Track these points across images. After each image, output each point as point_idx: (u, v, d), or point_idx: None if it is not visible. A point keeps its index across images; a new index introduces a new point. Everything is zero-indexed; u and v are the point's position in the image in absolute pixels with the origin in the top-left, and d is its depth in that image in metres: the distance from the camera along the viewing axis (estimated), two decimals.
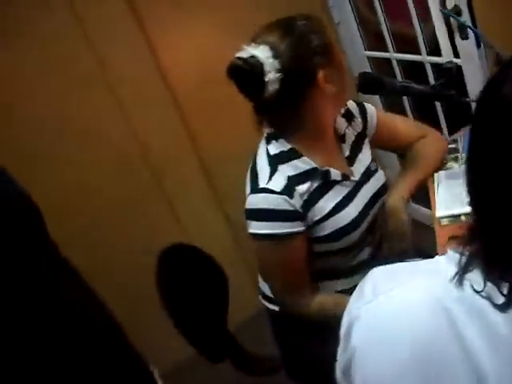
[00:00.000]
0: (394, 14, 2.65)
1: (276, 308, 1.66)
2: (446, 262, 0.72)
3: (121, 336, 1.35)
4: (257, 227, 1.42)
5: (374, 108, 1.67)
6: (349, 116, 1.60)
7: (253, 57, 1.35)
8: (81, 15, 2.38)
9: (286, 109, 1.42)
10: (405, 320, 0.71)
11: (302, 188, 1.41)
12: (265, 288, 1.68)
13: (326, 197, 1.47)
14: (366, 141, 1.63)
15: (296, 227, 1.41)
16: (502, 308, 0.63)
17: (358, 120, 1.61)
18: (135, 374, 1.36)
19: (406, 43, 2.68)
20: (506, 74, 0.64)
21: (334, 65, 1.41)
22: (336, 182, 1.49)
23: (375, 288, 0.77)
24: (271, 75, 1.34)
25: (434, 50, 2.47)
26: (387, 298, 0.74)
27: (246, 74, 1.36)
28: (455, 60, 2.21)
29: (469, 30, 2.04)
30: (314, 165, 1.45)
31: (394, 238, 1.55)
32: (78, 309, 1.25)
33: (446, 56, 2.25)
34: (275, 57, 1.34)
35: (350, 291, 1.51)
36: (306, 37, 1.37)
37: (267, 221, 1.40)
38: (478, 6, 2.03)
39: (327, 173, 1.46)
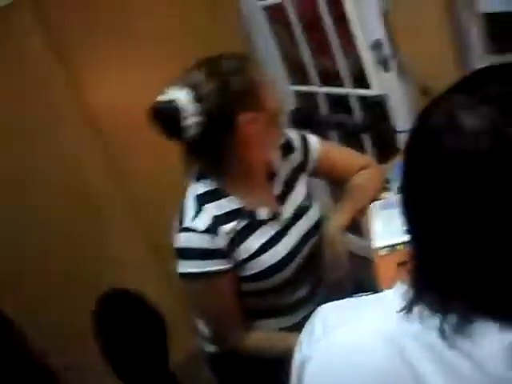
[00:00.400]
0: (317, 48, 2.70)
1: (211, 349, 1.62)
2: (394, 295, 0.70)
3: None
4: (183, 266, 1.41)
5: (316, 139, 1.65)
6: (287, 149, 1.57)
7: (171, 101, 1.33)
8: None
9: (206, 153, 1.41)
10: (356, 361, 0.70)
11: (228, 227, 1.40)
12: (201, 326, 1.65)
13: (253, 236, 1.45)
14: (303, 175, 1.61)
15: (220, 265, 1.40)
16: (449, 342, 0.62)
17: (298, 153, 1.59)
18: None
19: (330, 77, 2.72)
20: (436, 105, 0.64)
21: (261, 106, 1.37)
22: (263, 222, 1.47)
23: (324, 326, 0.76)
24: (190, 120, 1.32)
25: (356, 83, 2.53)
26: (337, 336, 0.73)
27: (163, 118, 1.34)
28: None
29: (390, 62, 2.10)
30: (240, 205, 1.43)
31: (332, 268, 1.54)
32: None
33: (376, 88, 2.29)
34: (198, 100, 1.33)
35: (290, 329, 1.51)
36: (231, 80, 1.34)
37: (193, 259, 1.39)
38: (399, 39, 2.10)
39: (253, 213, 1.45)
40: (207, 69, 1.35)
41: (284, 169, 1.56)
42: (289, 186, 1.56)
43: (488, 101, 0.59)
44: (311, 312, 1.60)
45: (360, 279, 1.72)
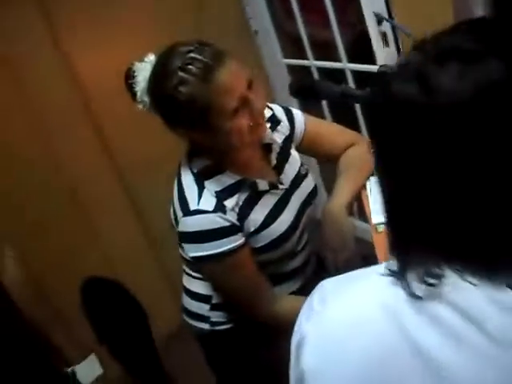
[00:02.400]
0: (312, 20, 2.65)
1: (206, 326, 1.59)
2: (389, 266, 0.70)
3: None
4: (198, 250, 1.37)
5: (300, 113, 1.62)
6: (274, 121, 1.53)
7: (132, 66, 1.35)
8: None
9: (176, 130, 1.36)
10: (351, 336, 0.70)
11: (231, 202, 1.37)
12: (190, 306, 1.62)
13: (256, 208, 1.43)
14: (293, 145, 1.59)
15: (238, 240, 1.37)
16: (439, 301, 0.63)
17: (285, 124, 1.56)
18: None
19: (325, 50, 2.68)
20: (397, 71, 0.66)
21: (210, 128, 1.29)
22: (264, 193, 1.45)
23: (322, 300, 0.76)
24: (138, 93, 1.33)
25: (352, 57, 2.49)
26: (333, 309, 0.74)
27: (125, 81, 1.36)
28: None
29: (391, 36, 2.06)
30: (238, 177, 1.40)
31: (337, 248, 1.51)
32: None
33: (380, 61, 2.24)
34: (151, 79, 1.32)
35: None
36: (184, 89, 1.25)
37: (208, 241, 1.34)
38: (397, 12, 2.07)
39: (253, 184, 1.42)
40: (162, 57, 1.30)
41: (276, 139, 1.53)
42: (284, 155, 1.53)
43: (422, 50, 0.64)
44: (306, 281, 1.58)
45: (368, 261, 1.70)
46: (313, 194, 1.58)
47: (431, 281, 0.63)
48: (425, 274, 0.64)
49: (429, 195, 0.63)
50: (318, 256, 1.73)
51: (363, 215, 2.02)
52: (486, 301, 0.61)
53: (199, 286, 1.57)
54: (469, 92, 0.59)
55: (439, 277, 0.63)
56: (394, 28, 2.09)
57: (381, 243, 1.50)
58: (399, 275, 0.67)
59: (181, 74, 1.24)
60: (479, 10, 1.93)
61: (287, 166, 1.53)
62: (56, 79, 2.44)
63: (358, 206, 1.82)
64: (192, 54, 1.25)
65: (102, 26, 2.50)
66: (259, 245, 1.43)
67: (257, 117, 1.32)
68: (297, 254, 1.56)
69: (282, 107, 1.59)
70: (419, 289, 0.64)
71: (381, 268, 0.71)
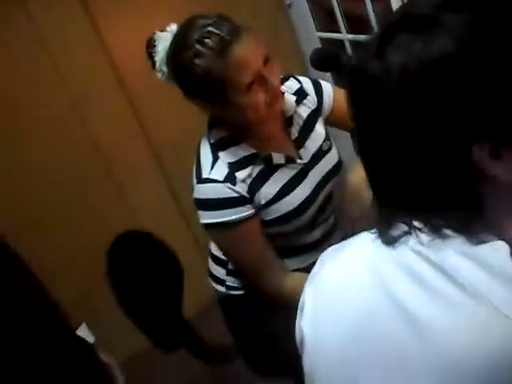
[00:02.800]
0: None
1: (223, 289, 1.65)
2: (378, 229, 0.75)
3: (80, 350, 1.34)
4: (207, 217, 1.41)
5: (330, 85, 1.62)
6: (301, 94, 1.54)
7: (154, 35, 1.38)
8: (33, 14, 2.35)
9: (194, 101, 1.39)
10: (340, 296, 0.76)
11: (244, 173, 1.40)
12: (211, 267, 1.68)
13: (271, 181, 1.44)
14: (321, 119, 1.59)
15: (245, 211, 1.40)
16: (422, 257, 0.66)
17: (312, 97, 1.57)
18: None
19: (359, 24, 2.66)
20: (367, 48, 0.68)
21: (224, 102, 1.33)
22: (280, 166, 1.46)
23: (322, 262, 0.83)
24: (158, 62, 1.37)
25: None
26: (327, 270, 0.81)
27: (148, 56, 1.40)
28: None
29: None
30: (254, 150, 1.42)
31: (355, 219, 1.53)
32: (34, 321, 1.22)
33: None
34: (169, 49, 1.34)
35: (304, 270, 1.52)
36: (200, 62, 1.28)
37: (216, 209, 1.39)
38: None
39: (268, 157, 1.43)
40: (198, 30, 1.29)
41: (300, 113, 1.54)
42: (307, 129, 1.54)
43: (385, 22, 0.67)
44: None
45: None
46: (336, 169, 1.58)
47: (411, 239, 0.68)
48: (405, 231, 0.69)
49: (395, 163, 0.68)
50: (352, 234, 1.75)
51: None
52: (459, 256, 0.64)
53: (218, 250, 1.62)
54: (414, 66, 0.61)
55: (416, 233, 0.67)
56: None
57: None
58: (383, 234, 0.72)
59: (197, 46, 1.27)
60: None
61: (309, 141, 1.53)
62: (93, 62, 2.51)
63: None
64: (210, 28, 1.28)
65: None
66: (269, 217, 1.45)
67: (272, 92, 1.33)
68: (315, 227, 1.57)
69: (311, 80, 1.59)
70: (402, 248, 0.69)
71: (372, 232, 0.76)
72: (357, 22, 2.66)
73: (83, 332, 1.51)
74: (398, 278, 0.68)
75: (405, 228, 0.69)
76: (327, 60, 1.49)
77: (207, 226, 1.42)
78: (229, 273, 1.62)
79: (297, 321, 0.83)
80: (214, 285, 1.69)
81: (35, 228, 2.47)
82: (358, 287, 0.73)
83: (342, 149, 1.66)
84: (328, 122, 1.61)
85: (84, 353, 1.39)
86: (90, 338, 1.49)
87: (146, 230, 2.14)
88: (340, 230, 1.68)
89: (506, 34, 0.60)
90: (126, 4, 2.54)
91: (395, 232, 0.70)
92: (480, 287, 0.61)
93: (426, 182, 0.66)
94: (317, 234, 1.59)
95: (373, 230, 0.76)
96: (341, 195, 1.57)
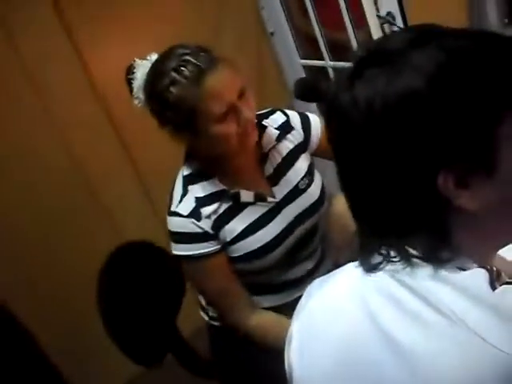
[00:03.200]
0: (328, 21, 2.65)
1: (206, 318, 1.65)
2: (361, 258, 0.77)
3: None
4: (176, 249, 1.43)
5: (317, 118, 1.60)
6: (285, 128, 1.52)
7: (133, 62, 1.39)
8: (11, 31, 2.35)
9: (166, 130, 1.38)
10: (326, 327, 0.76)
11: (209, 209, 1.39)
12: (201, 299, 1.66)
13: (237, 218, 1.42)
14: (305, 154, 1.56)
15: (209, 247, 1.40)
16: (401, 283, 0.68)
17: (298, 131, 1.54)
18: None
19: (341, 51, 2.68)
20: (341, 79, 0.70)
21: (197, 132, 1.32)
22: (249, 204, 1.44)
23: (309, 294, 0.84)
24: (138, 93, 1.37)
25: None
26: (314, 300, 0.82)
27: (127, 82, 1.41)
28: None
29: None
30: (223, 187, 1.41)
31: (341, 247, 1.51)
32: None
33: None
34: (148, 78, 1.35)
35: (281, 308, 1.49)
36: (174, 91, 1.28)
37: (182, 243, 1.40)
38: (411, 12, 2.05)
39: (236, 195, 1.42)
40: (176, 59, 1.30)
41: (280, 149, 1.51)
42: (285, 166, 1.51)
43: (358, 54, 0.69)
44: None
45: None
46: (314, 206, 1.54)
47: (389, 265, 0.70)
48: (383, 258, 0.71)
49: (367, 189, 0.70)
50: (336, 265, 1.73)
51: None
52: (433, 281, 0.66)
53: None
54: (378, 100, 0.63)
55: (393, 260, 0.70)
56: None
57: None
58: (364, 262, 0.73)
59: (173, 74, 1.28)
60: (494, 14, 1.91)
61: (285, 178, 1.50)
62: (74, 85, 2.51)
63: None
64: (187, 57, 1.28)
65: (115, 23, 2.56)
66: (235, 255, 1.44)
67: (244, 125, 1.32)
68: (296, 264, 1.55)
69: (299, 113, 1.57)
70: (382, 274, 0.71)
71: (355, 262, 0.77)
72: (339, 49, 2.68)
73: None
74: (381, 304, 0.69)
75: (382, 255, 0.71)
76: (309, 90, 1.49)
77: (177, 257, 1.43)
78: (209, 303, 1.61)
79: (285, 354, 0.83)
80: (201, 312, 1.68)
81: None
82: (343, 314, 0.74)
83: (333, 178, 1.64)
84: (317, 154, 1.59)
85: None
86: None
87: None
88: (328, 261, 1.65)
89: (473, 72, 0.62)
90: (109, 31, 2.55)
91: (375, 259, 0.72)
92: (456, 311, 0.62)
93: (395, 208, 0.68)
94: (298, 271, 1.56)
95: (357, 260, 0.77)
96: (326, 224, 1.55)
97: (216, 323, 1.62)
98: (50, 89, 2.46)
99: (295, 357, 0.80)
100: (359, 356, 0.70)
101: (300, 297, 1.52)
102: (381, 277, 0.70)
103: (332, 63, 2.68)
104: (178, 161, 1.50)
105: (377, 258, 0.72)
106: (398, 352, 0.65)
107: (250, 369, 1.55)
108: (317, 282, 0.85)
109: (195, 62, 1.27)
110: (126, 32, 2.57)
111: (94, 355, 1.70)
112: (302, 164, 1.54)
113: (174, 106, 1.29)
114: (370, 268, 0.72)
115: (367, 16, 2.12)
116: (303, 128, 1.55)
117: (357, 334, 0.71)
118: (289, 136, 1.52)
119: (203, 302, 1.63)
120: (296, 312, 0.84)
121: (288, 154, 1.52)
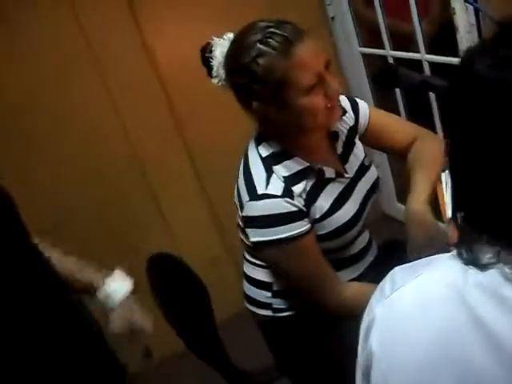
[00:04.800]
0: (391, 10, 2.62)
1: (269, 312, 1.60)
2: (458, 252, 0.72)
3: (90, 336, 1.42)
4: (264, 234, 1.37)
5: (366, 104, 1.60)
6: (342, 109, 1.51)
7: (211, 41, 1.37)
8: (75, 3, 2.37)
9: (248, 111, 1.38)
10: (419, 317, 0.72)
11: (299, 188, 1.37)
12: (251, 292, 1.63)
13: (323, 195, 1.43)
14: (357, 136, 1.58)
15: (303, 226, 1.37)
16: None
17: (350, 115, 1.55)
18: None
19: (402, 40, 2.65)
20: (477, 50, 0.67)
21: (283, 105, 1.30)
22: (330, 180, 1.45)
23: (393, 284, 0.79)
24: (215, 68, 1.36)
25: (430, 47, 2.45)
26: (403, 292, 0.76)
27: (203, 62, 1.39)
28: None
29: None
30: (307, 164, 1.40)
31: (423, 248, 1.43)
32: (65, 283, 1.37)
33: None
34: (227, 55, 1.34)
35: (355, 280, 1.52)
36: (263, 62, 1.27)
37: (274, 226, 1.35)
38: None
39: (321, 171, 1.42)
40: (259, 31, 1.28)
41: (342, 129, 1.53)
42: (349, 145, 1.53)
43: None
44: (366, 267, 1.57)
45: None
46: (376, 185, 1.58)
47: (495, 265, 0.66)
48: (490, 259, 0.67)
49: (502, 183, 0.63)
50: (383, 244, 1.74)
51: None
52: None
53: (260, 273, 1.58)
54: None
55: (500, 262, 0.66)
56: (477, 14, 2.03)
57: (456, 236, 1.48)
58: (468, 259, 0.69)
59: (260, 46, 1.27)
60: None
61: (352, 156, 1.53)
62: (135, 66, 2.52)
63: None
64: (272, 29, 1.28)
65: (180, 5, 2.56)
66: (323, 232, 1.43)
67: (332, 98, 1.32)
68: (353, 241, 1.55)
69: (348, 98, 1.58)
70: (485, 273, 0.67)
71: (450, 255, 0.73)
72: (401, 39, 2.65)
73: (120, 276, 1.50)
74: (482, 300, 0.66)
75: (490, 251, 0.67)
76: (389, 73, 1.48)
77: (260, 243, 1.39)
78: (274, 295, 1.57)
79: (361, 341, 0.81)
80: (255, 309, 1.64)
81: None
82: (438, 309, 0.71)
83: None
84: (362, 141, 1.60)
85: (94, 338, 1.42)
86: (129, 282, 1.50)
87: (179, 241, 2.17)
88: (377, 244, 1.69)
89: None
90: (171, 13, 2.55)
91: (481, 255, 0.68)
92: None
93: None
94: (356, 247, 1.58)
95: (450, 253, 0.74)
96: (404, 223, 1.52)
97: (283, 314, 1.58)
98: (113, 66, 2.49)
99: (377, 344, 0.76)
100: (451, 350, 0.68)
101: (363, 271, 1.58)
102: (484, 271, 0.67)
103: (393, 52, 2.65)
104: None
105: (481, 253, 0.68)
106: (496, 348, 0.64)
107: (322, 352, 1.55)
108: (398, 269, 0.81)
109: (281, 33, 1.27)
110: (187, 10, 2.56)
111: None
112: (359, 144, 1.57)
113: (262, 79, 1.27)
114: (475, 263, 0.68)
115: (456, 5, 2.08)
116: (354, 112, 1.57)
117: (450, 325, 0.69)
118: (344, 118, 1.53)
119: (263, 298, 1.59)
120: (377, 298, 0.80)
121: (348, 133, 1.54)
